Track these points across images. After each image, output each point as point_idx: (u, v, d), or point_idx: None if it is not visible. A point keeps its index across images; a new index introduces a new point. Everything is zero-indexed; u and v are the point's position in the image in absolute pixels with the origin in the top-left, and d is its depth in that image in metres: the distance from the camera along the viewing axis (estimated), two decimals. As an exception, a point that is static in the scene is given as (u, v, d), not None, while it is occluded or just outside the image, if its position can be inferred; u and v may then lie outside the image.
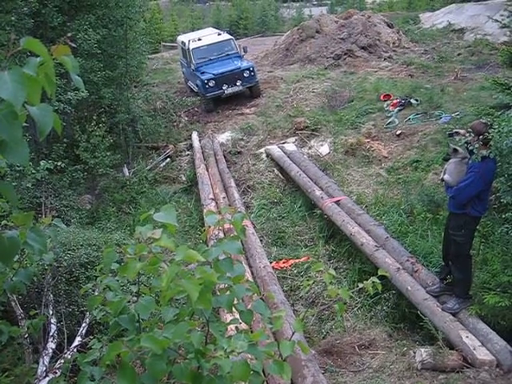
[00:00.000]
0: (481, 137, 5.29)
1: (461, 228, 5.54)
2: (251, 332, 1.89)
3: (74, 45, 1.48)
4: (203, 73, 15.59)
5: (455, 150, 5.53)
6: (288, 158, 11.44)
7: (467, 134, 5.45)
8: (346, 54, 18.47)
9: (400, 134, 11.41)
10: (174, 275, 1.65)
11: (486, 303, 5.65)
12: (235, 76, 15.40)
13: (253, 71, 15.57)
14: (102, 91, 12.48)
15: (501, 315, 5.69)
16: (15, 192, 1.63)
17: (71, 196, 10.76)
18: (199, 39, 16.57)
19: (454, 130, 5.81)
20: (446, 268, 6.04)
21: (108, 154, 11.79)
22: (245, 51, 16.94)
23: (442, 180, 5.88)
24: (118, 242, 7.16)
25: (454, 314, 5.78)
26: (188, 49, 16.35)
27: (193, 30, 32.84)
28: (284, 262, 8.23)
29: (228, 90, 15.47)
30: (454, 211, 5.63)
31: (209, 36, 16.90)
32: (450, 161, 5.63)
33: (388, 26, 20.51)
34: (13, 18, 9.70)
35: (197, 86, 16.12)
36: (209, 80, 15.15)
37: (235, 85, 15.46)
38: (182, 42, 17.64)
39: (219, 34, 16.93)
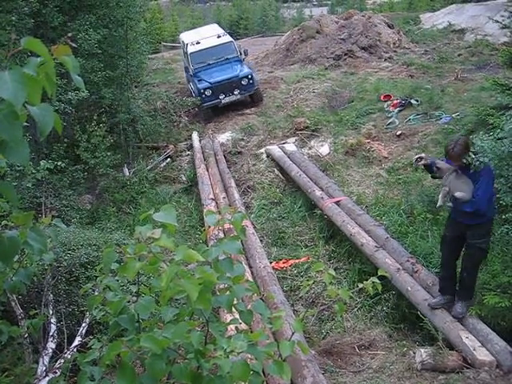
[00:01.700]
0: (470, 150, 5.17)
1: (485, 235, 5.39)
2: (251, 332, 1.89)
3: (74, 45, 1.49)
4: (200, 80, 14.98)
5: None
6: (288, 158, 11.44)
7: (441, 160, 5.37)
8: (346, 54, 18.47)
9: (400, 134, 11.42)
10: (174, 275, 1.66)
11: (486, 304, 5.65)
12: (233, 84, 14.70)
13: (251, 79, 14.83)
14: (103, 91, 12.49)
15: (501, 316, 5.70)
16: (15, 192, 1.63)
17: (71, 196, 10.76)
18: (198, 42, 15.85)
19: (417, 156, 5.51)
20: (449, 281, 5.83)
21: (108, 153, 11.80)
22: (245, 54, 16.22)
23: (442, 203, 5.51)
24: (117, 241, 7.16)
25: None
26: (186, 52, 15.81)
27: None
28: (284, 262, 8.23)
29: (225, 99, 14.84)
30: (475, 223, 5.36)
31: (208, 39, 16.07)
32: (448, 178, 5.34)
33: (388, 26, 20.51)
34: (13, 18, 9.70)
35: (194, 93, 15.69)
36: (205, 89, 14.58)
37: (232, 94, 14.82)
38: (183, 41, 16.96)
39: (219, 37, 16.09)
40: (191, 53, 15.59)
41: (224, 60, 15.61)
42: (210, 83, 14.63)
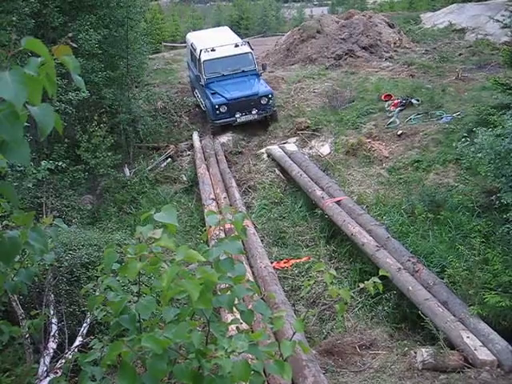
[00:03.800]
0: None
1: None
2: (252, 332, 1.89)
3: (74, 45, 1.48)
4: (214, 93, 13.34)
5: None
6: (289, 158, 11.44)
7: None
8: (346, 54, 18.45)
9: (401, 134, 11.41)
10: (175, 275, 1.65)
11: (486, 303, 5.65)
12: (251, 103, 13.19)
13: (271, 98, 13.39)
14: (103, 91, 12.50)
15: (502, 315, 5.70)
16: (16, 192, 1.64)
17: (72, 196, 10.78)
18: (213, 49, 13.90)
19: None
20: None
21: (109, 154, 11.81)
22: (264, 69, 14.59)
23: None
24: (118, 242, 7.16)
25: None
26: (199, 60, 13.92)
27: (194, 30, 32.30)
28: (285, 262, 8.24)
29: (241, 118, 13.31)
30: None
31: (225, 47, 14.12)
32: None
33: (389, 26, 20.48)
34: (14, 19, 9.72)
35: (205, 106, 14.02)
36: (220, 105, 13.04)
37: (250, 113, 13.29)
38: (192, 44, 15.24)
39: (236, 46, 14.22)
40: (205, 61, 13.82)
41: (240, 73, 13.99)
42: (226, 99, 13.13)
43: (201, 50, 13.94)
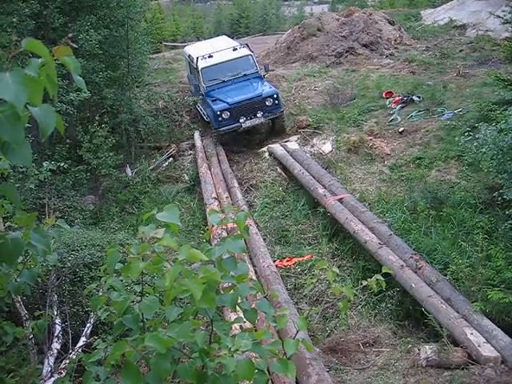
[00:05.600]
0: None
1: None
2: (255, 331, 1.89)
3: (75, 45, 1.48)
4: (215, 100, 12.74)
5: None
6: (291, 156, 11.43)
7: None
8: (347, 51, 18.44)
9: (402, 131, 11.40)
10: (178, 274, 1.66)
11: (490, 299, 5.65)
12: (255, 105, 12.44)
13: (277, 99, 12.61)
14: (104, 92, 12.51)
15: (505, 311, 5.69)
16: (18, 193, 1.64)
17: (74, 196, 10.79)
18: (210, 56, 13.37)
19: None
20: None
21: (111, 154, 11.81)
22: (266, 70, 13.77)
23: None
24: (121, 242, 7.16)
25: None
26: (196, 68, 13.39)
27: (194, 30, 32.17)
28: (287, 261, 8.23)
29: (246, 123, 12.49)
30: None
31: (222, 52, 13.59)
32: None
33: (389, 23, 20.46)
34: (14, 20, 9.73)
35: (208, 116, 13.42)
36: (222, 111, 12.33)
37: (255, 116, 12.49)
38: (190, 56, 14.58)
39: (235, 49, 13.65)
40: (203, 68, 13.22)
41: (241, 77, 13.31)
42: (228, 104, 12.43)
43: (197, 58, 13.37)
